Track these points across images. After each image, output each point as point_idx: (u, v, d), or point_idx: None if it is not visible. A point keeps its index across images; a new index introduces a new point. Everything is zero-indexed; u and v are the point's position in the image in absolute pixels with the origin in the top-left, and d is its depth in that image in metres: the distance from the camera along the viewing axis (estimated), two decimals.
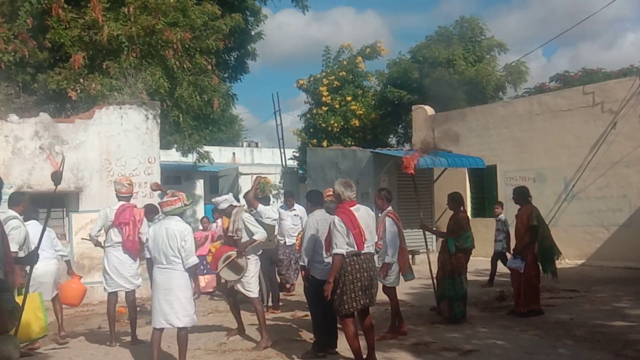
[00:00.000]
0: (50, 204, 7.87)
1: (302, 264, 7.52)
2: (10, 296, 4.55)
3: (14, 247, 7.02)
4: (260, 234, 8.21)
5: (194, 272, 6.99)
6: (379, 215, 8.45)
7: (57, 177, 6.31)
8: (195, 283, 7.05)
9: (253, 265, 8.27)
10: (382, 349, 7.40)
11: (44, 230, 6.47)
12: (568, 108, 16.14)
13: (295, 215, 11.78)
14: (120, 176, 10.94)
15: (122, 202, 8.62)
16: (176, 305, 6.79)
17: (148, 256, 7.00)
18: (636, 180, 14.88)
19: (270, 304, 10.66)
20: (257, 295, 8.33)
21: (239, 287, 8.23)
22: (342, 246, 6.49)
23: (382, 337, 7.94)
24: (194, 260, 6.85)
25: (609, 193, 15.32)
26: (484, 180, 18.11)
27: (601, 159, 15.28)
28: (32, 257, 5.95)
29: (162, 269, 6.81)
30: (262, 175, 10.02)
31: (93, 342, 8.60)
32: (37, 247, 6.12)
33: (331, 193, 10.39)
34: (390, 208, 8.40)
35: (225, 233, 8.54)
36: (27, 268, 6.34)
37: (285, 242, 11.67)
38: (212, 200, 9.08)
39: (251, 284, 8.21)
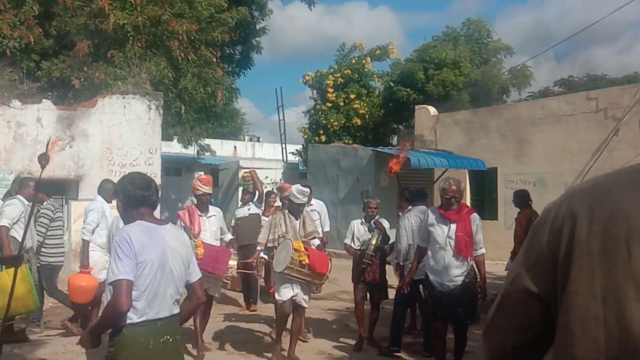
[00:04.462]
0: (36, 189, 7.66)
1: (401, 263, 7.64)
2: None
3: (4, 222, 7.33)
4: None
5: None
6: (399, 215, 8.27)
7: (43, 158, 6.04)
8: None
9: None
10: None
11: (29, 220, 6.26)
12: (571, 113, 16.09)
13: (312, 210, 10.12)
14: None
15: None
16: None
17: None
18: None
19: (250, 299, 10.65)
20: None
21: (301, 297, 7.18)
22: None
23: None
24: None
25: None
26: (484, 182, 18.07)
27: (602, 165, 15.22)
28: (17, 259, 5.88)
29: None
30: (247, 170, 9.32)
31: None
32: (20, 249, 6.04)
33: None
34: (410, 208, 8.09)
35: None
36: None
37: None
38: (295, 186, 7.59)
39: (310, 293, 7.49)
